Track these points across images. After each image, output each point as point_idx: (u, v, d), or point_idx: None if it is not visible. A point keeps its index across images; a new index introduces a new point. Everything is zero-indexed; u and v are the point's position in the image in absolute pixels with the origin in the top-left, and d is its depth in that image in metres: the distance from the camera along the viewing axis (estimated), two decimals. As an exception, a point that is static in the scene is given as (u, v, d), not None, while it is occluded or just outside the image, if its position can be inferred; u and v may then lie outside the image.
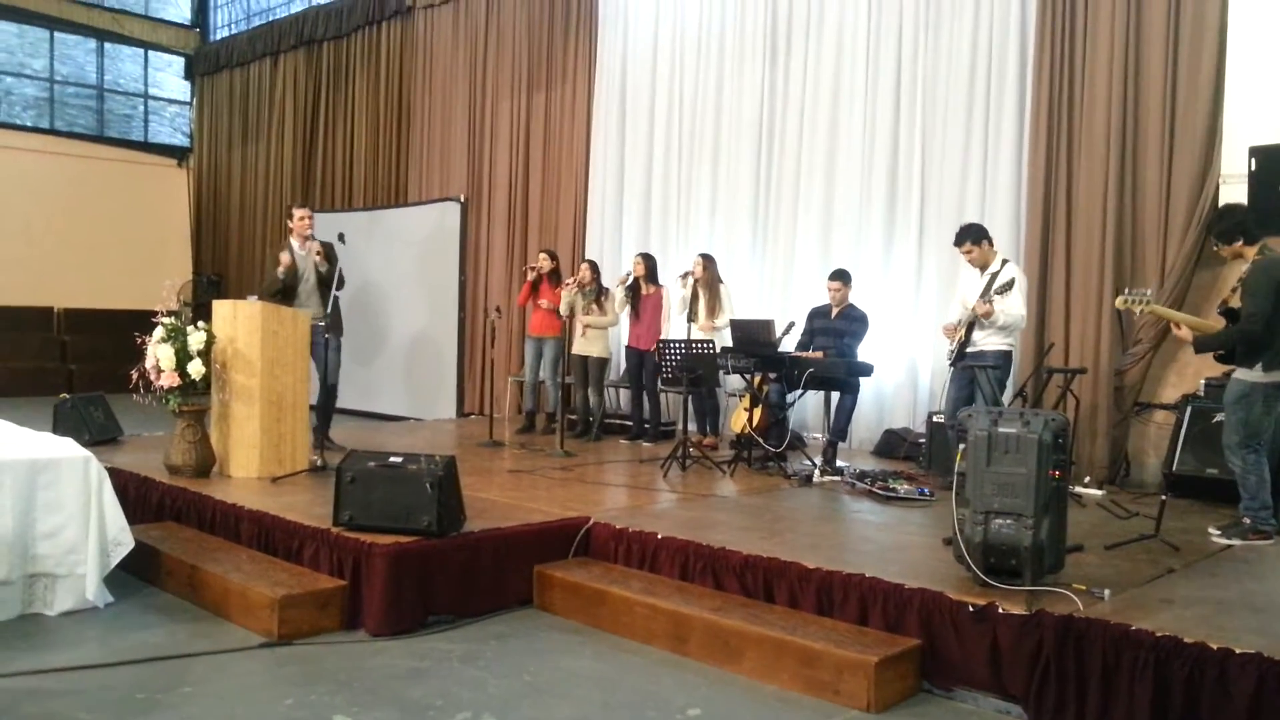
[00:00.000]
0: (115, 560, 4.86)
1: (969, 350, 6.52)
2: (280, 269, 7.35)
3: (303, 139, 14.52)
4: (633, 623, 4.56)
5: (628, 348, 8.94)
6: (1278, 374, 5.11)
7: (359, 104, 13.62)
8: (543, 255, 9.19)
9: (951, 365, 6.67)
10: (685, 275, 8.31)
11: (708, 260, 8.40)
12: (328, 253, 7.46)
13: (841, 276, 7.60)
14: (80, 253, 15.04)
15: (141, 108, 16.93)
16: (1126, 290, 5.51)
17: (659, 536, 4.98)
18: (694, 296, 8.31)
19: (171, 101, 17.22)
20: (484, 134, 11.84)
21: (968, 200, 8.01)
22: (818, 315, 7.66)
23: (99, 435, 7.52)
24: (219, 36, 16.92)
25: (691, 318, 8.00)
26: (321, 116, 14.26)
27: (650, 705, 3.81)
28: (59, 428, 7.14)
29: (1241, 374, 5.20)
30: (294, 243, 7.55)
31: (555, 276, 9.03)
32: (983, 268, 6.58)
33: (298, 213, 7.69)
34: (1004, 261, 6.57)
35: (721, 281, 8.44)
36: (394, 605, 4.56)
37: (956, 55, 8.14)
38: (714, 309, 8.25)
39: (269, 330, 6.28)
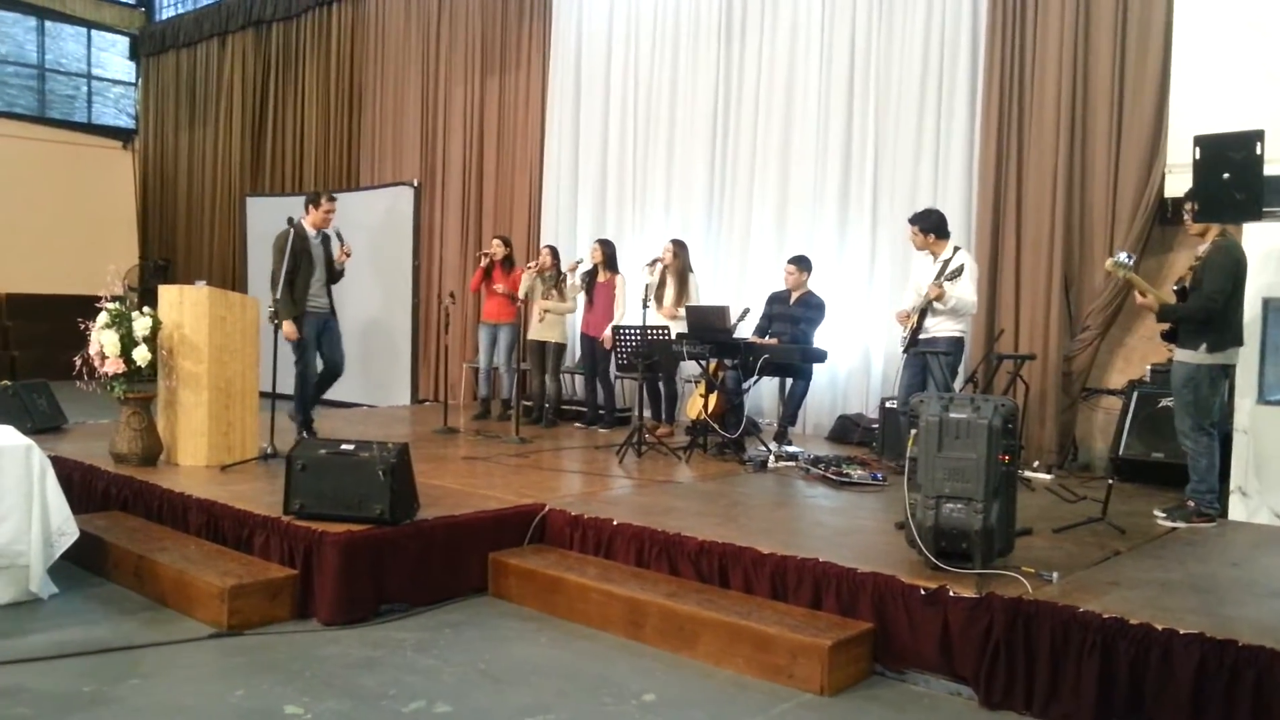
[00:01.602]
0: (59, 551, 4.76)
1: (921, 337, 6.59)
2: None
3: (252, 122, 14.27)
4: (588, 609, 4.56)
5: (582, 334, 8.91)
6: (1220, 355, 5.22)
7: (309, 87, 13.41)
8: (496, 241, 9.14)
9: (904, 352, 6.73)
10: (654, 262, 8.25)
11: (679, 247, 8.34)
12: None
13: (799, 262, 7.62)
14: (22, 236, 14.67)
15: (85, 88, 16.53)
16: (1124, 254, 5.55)
17: (614, 523, 4.98)
18: (661, 283, 8.26)
19: (116, 82, 16.83)
20: (437, 118, 11.72)
21: (920, 188, 8.08)
22: (776, 300, 7.68)
23: (42, 423, 7.36)
24: (165, 16, 16.56)
25: (648, 302, 7.95)
26: (271, 99, 14.02)
27: (606, 691, 3.81)
28: (0, 416, 6.96)
29: (1185, 355, 5.29)
30: (309, 229, 7.17)
31: (508, 263, 8.99)
32: (933, 255, 6.65)
33: (326, 204, 7.25)
34: (955, 249, 6.64)
35: (692, 271, 8.40)
36: (346, 594, 4.51)
37: (909, 43, 8.19)
38: (681, 298, 8.21)
39: (216, 316, 6.18)
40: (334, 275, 7.43)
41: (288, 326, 7.02)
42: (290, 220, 7.22)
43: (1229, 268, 5.14)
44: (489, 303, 9.03)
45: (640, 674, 3.99)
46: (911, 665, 3.99)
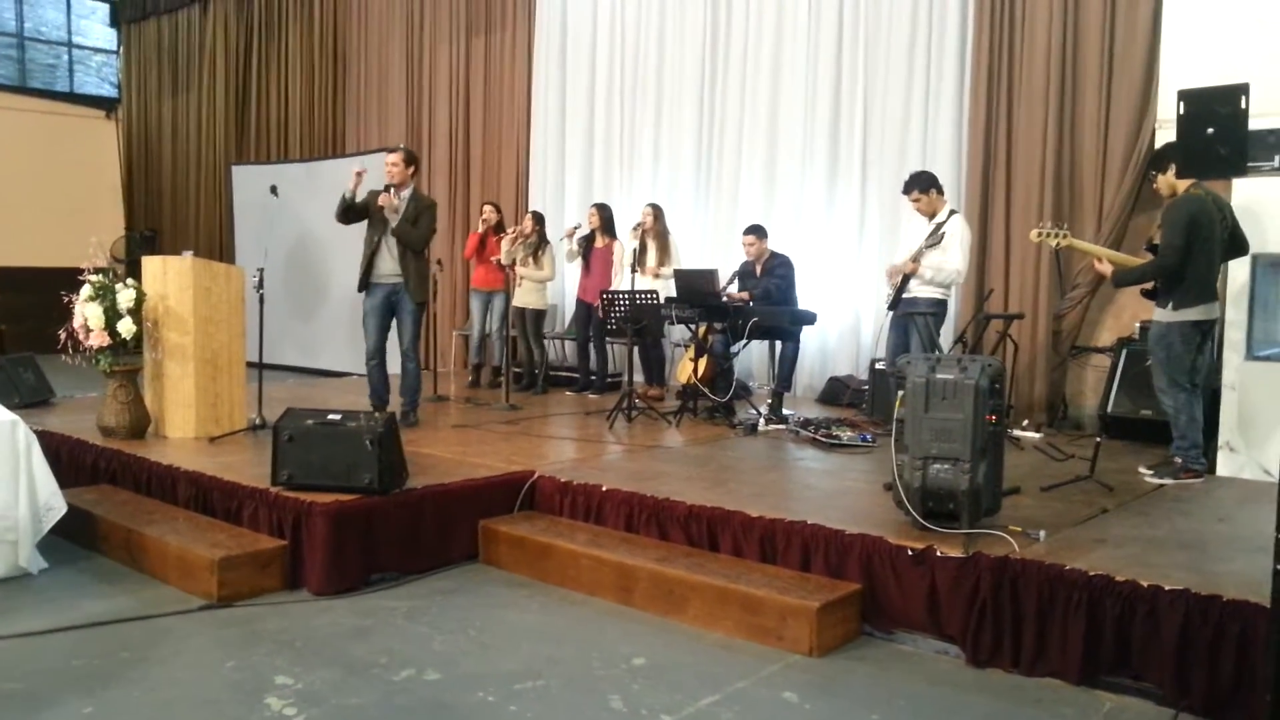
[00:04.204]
0: (48, 525, 4.76)
1: (905, 296, 6.56)
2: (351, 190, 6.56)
3: (235, 89, 14.11)
4: (578, 575, 4.57)
5: (577, 300, 8.88)
6: (1189, 312, 5.19)
7: (293, 52, 13.24)
8: (488, 207, 9.08)
9: (889, 309, 6.72)
10: (636, 227, 8.26)
11: (657, 211, 8.35)
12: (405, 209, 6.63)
13: (756, 231, 7.57)
14: (8, 208, 14.51)
15: (66, 57, 16.29)
16: (1040, 224, 5.55)
17: (604, 489, 4.98)
18: (642, 247, 8.26)
19: (97, 50, 16.60)
20: (422, 81, 11.59)
21: (909, 147, 8.02)
22: (747, 275, 7.61)
23: (29, 397, 7.34)
24: (144, -18, 16.29)
25: (635, 268, 7.92)
26: (254, 65, 13.86)
27: (596, 656, 3.83)
28: (-13, 391, 6.94)
29: (1158, 314, 5.30)
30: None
31: (499, 229, 8.95)
32: (930, 216, 6.58)
33: (387, 158, 6.72)
34: (951, 212, 6.57)
35: (670, 233, 8.40)
36: (336, 564, 4.52)
37: (898, 0, 8.09)
38: (662, 260, 8.22)
39: (201, 286, 6.14)
40: (403, 237, 6.59)
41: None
42: (273, 189, 7.15)
43: (1181, 222, 5.09)
44: (480, 270, 8.98)
45: (630, 638, 4.01)
46: (899, 625, 4.01)
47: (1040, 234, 5.46)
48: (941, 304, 6.59)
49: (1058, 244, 5.49)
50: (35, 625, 4.06)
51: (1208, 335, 5.33)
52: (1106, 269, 5.47)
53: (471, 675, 3.64)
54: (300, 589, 4.56)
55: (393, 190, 6.63)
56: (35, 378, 7.65)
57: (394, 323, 6.78)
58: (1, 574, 4.58)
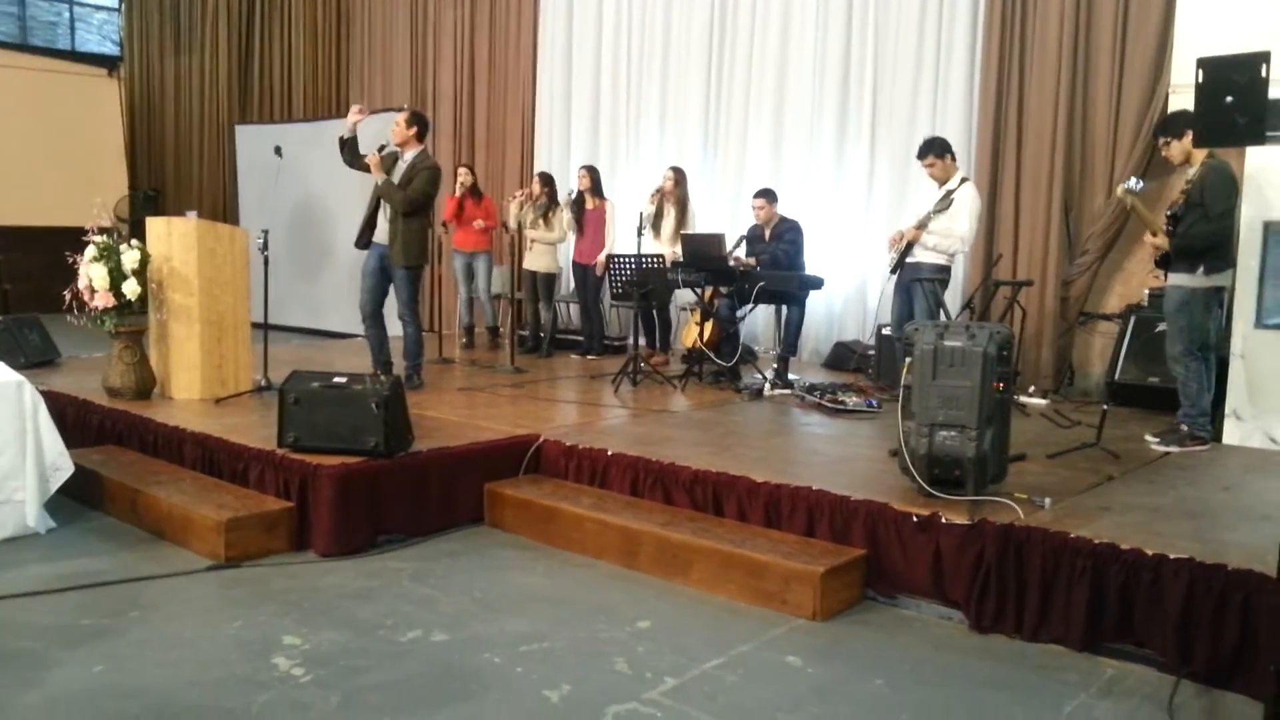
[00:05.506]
0: (55, 486, 4.79)
1: (909, 261, 6.53)
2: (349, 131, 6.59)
3: (238, 47, 13.98)
4: (583, 538, 4.59)
5: (574, 263, 8.83)
6: (1217, 277, 5.17)
7: (296, 10, 13.10)
8: (463, 170, 9.00)
9: (891, 273, 6.70)
10: (656, 191, 8.15)
11: (679, 175, 8.19)
12: (387, 165, 6.51)
13: (766, 195, 7.53)
14: (13, 168, 14.43)
15: (67, 14, 16.14)
16: (1134, 180, 5.39)
17: (609, 453, 4.99)
18: (658, 213, 8.15)
19: (99, 8, 16.43)
20: (427, 42, 11.47)
21: (919, 112, 7.93)
22: (755, 239, 7.57)
23: (35, 358, 7.33)
24: (146, -62, 16.10)
25: (643, 230, 7.80)
26: (258, 23, 13.72)
27: (601, 618, 3.85)
28: (-8, 351, 6.94)
29: (1181, 279, 5.23)
30: (394, 148, 6.66)
31: (476, 191, 8.89)
32: (942, 182, 6.53)
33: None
34: (962, 180, 6.53)
35: (690, 199, 8.26)
36: (342, 526, 4.54)
37: (909, -40, 7.98)
38: (681, 227, 8.08)
39: (205, 248, 6.12)
40: (385, 196, 6.50)
41: None
42: (277, 150, 7.08)
43: (1228, 186, 5.07)
44: (459, 232, 8.95)
45: (635, 601, 4.03)
46: (903, 591, 4.03)
47: (1126, 190, 5.35)
48: (945, 270, 6.57)
49: (1131, 203, 5.38)
50: (44, 584, 4.09)
51: (1224, 302, 5.32)
52: (1162, 243, 5.32)
53: (477, 637, 3.67)
54: (306, 550, 4.58)
55: (387, 149, 6.55)
56: (40, 338, 7.63)
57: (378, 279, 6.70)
58: (10, 533, 4.61)
